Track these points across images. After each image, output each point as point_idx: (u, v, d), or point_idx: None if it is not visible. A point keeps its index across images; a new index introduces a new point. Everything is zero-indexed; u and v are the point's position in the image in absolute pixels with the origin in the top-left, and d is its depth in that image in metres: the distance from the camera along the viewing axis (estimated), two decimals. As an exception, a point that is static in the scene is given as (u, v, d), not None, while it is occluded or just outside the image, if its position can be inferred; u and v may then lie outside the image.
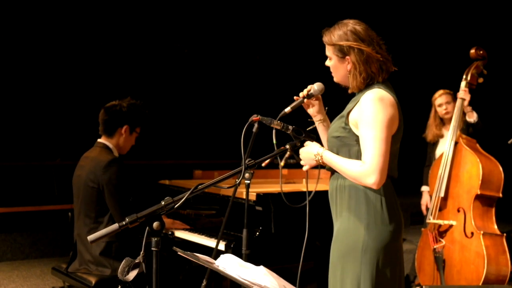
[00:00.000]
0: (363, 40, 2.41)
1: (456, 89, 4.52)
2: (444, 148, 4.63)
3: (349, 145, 2.43)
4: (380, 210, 2.39)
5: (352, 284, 2.40)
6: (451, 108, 4.84)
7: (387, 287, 2.42)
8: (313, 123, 2.70)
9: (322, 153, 2.45)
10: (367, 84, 2.44)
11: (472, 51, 4.55)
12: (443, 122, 4.98)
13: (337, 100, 2.70)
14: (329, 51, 2.51)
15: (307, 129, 2.61)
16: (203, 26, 8.50)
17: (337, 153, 2.47)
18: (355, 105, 2.43)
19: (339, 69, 2.49)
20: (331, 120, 2.64)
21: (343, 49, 2.43)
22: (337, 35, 2.45)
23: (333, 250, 2.51)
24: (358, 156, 2.40)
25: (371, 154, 2.32)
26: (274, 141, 2.52)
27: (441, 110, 4.92)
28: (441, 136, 4.97)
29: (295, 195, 3.45)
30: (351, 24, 2.45)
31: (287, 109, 2.52)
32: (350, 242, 2.41)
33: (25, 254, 5.94)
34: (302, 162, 2.55)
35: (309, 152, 2.50)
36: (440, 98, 4.92)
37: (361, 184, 2.38)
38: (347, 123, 2.43)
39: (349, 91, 2.53)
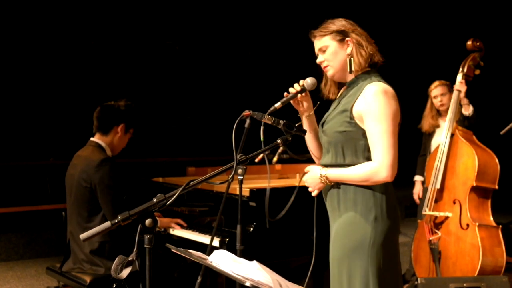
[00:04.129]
0: (355, 29, 2.49)
1: (453, 80, 4.52)
2: (441, 138, 4.63)
3: (355, 139, 2.41)
4: (384, 205, 2.40)
5: (361, 279, 2.38)
6: (446, 100, 4.83)
7: (393, 278, 2.44)
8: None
9: (326, 174, 2.45)
10: (366, 68, 2.46)
11: (469, 42, 4.55)
12: (439, 113, 4.98)
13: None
14: (324, 42, 2.50)
15: (296, 125, 2.59)
16: (193, 22, 8.48)
17: (342, 148, 2.45)
18: (357, 98, 2.41)
19: (338, 54, 2.48)
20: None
21: (344, 32, 2.46)
22: (333, 24, 2.49)
23: (336, 248, 2.48)
24: (364, 150, 2.40)
25: (382, 148, 2.33)
26: (262, 139, 2.45)
27: (436, 102, 4.91)
28: (437, 126, 4.96)
29: (288, 190, 3.43)
30: (340, 19, 2.52)
31: (277, 104, 2.49)
32: (358, 237, 2.40)
33: (20, 254, 5.92)
34: (310, 189, 2.56)
35: (313, 177, 2.51)
36: (435, 90, 4.91)
37: (374, 182, 2.37)
38: (352, 118, 2.41)
39: (351, 74, 2.49)
